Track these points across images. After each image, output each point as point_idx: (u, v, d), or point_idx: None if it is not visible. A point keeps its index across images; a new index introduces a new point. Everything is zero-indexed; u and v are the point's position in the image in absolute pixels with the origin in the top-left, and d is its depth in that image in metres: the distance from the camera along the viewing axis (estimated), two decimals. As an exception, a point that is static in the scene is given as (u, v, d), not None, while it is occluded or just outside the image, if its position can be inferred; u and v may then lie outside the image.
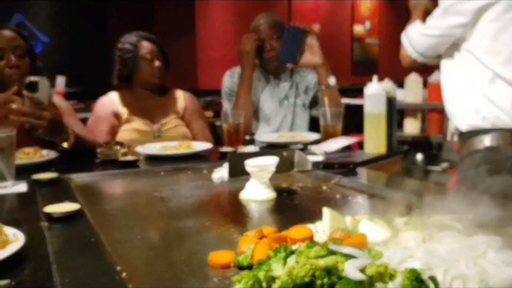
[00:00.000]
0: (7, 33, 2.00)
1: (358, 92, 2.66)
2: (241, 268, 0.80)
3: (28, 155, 1.77)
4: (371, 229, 0.87)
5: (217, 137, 2.63)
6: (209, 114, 3.84)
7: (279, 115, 2.54)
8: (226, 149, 1.95)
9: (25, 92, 1.73)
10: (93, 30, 5.47)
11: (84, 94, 4.08)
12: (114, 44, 2.45)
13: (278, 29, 2.48)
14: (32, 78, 1.76)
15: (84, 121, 2.40)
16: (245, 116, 2.20)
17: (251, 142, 2.21)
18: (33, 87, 1.74)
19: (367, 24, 7.39)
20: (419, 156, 1.68)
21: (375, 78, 1.84)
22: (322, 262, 0.70)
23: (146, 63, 2.35)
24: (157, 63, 2.35)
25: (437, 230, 0.87)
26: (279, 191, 1.32)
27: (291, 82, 2.56)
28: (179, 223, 1.11)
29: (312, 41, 2.28)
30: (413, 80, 2.77)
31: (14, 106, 1.72)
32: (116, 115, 2.34)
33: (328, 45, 2.30)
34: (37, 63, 2.11)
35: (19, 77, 1.98)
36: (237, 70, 2.67)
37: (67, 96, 3.46)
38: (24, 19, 5.26)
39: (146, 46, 2.36)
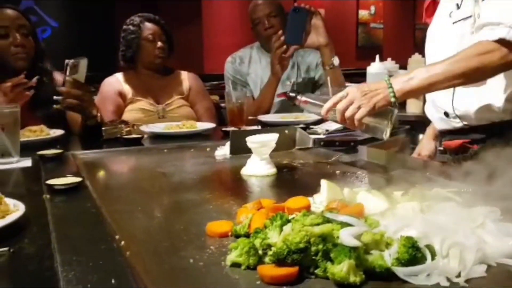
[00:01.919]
0: (11, 12, 2.00)
1: (362, 76, 2.64)
2: (238, 237, 0.81)
3: (34, 133, 1.78)
4: (368, 200, 0.86)
5: (221, 119, 2.64)
6: (215, 97, 3.83)
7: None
8: (229, 128, 1.95)
9: (67, 76, 1.77)
10: (101, 16, 5.45)
11: (92, 79, 4.10)
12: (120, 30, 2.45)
13: (275, 6, 2.47)
14: (73, 60, 1.79)
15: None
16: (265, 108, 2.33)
17: (254, 122, 2.21)
18: (75, 69, 1.77)
19: (372, 9, 7.32)
20: (421, 136, 1.67)
21: (377, 57, 1.82)
22: (318, 229, 0.70)
23: (148, 44, 2.35)
24: (159, 44, 2.35)
25: (435, 202, 0.87)
26: (280, 167, 1.33)
27: (292, 62, 2.54)
28: (180, 196, 1.12)
29: (317, 22, 2.26)
30: (416, 60, 2.74)
31: (63, 89, 1.77)
32: (121, 95, 2.35)
33: (333, 30, 2.28)
34: (40, 44, 2.12)
35: (25, 56, 2.00)
36: (238, 54, 2.66)
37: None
38: (33, 4, 5.26)
39: (148, 27, 2.36)
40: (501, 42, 1.22)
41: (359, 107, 1.24)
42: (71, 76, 1.77)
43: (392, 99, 1.24)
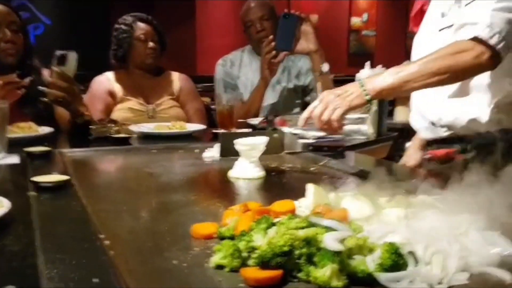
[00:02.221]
0: (2, 8, 1.99)
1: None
2: (223, 239, 0.81)
3: (22, 130, 1.77)
4: (353, 205, 0.87)
5: (212, 121, 2.63)
6: (207, 100, 3.83)
7: (271, 98, 2.54)
8: (218, 130, 1.95)
9: (53, 66, 1.75)
10: (96, 13, 5.42)
11: (85, 77, 4.08)
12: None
13: (268, 10, 2.48)
14: (62, 51, 1.78)
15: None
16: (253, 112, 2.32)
17: (244, 125, 2.21)
18: (62, 60, 1.75)
19: (365, 16, 7.36)
20: (408, 144, 1.68)
21: (367, 64, 1.83)
22: (302, 233, 0.70)
23: (140, 44, 2.35)
24: (151, 44, 2.34)
25: (420, 208, 0.88)
26: (268, 170, 1.33)
27: (283, 67, 2.55)
28: (166, 197, 1.11)
29: (306, 28, 2.26)
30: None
31: (50, 79, 1.75)
32: (111, 94, 2.34)
33: (325, 36, 2.29)
34: (29, 40, 2.11)
35: (14, 52, 1.98)
36: (229, 57, 2.67)
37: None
38: (25, 1, 5.22)
39: (141, 27, 2.36)
40: (477, 40, 1.22)
41: (334, 109, 1.23)
42: (58, 68, 1.75)
43: (367, 97, 1.23)
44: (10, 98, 1.76)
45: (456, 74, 1.26)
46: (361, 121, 1.26)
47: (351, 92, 1.24)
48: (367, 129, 1.26)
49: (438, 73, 1.23)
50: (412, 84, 1.24)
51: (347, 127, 1.26)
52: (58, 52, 1.78)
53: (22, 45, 2.02)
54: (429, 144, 1.58)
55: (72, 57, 1.79)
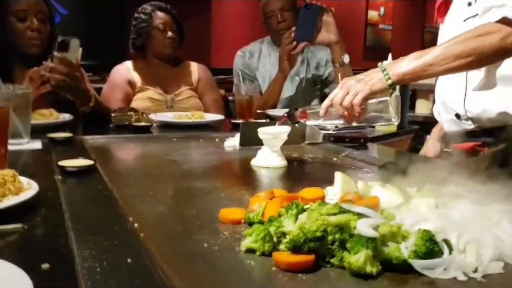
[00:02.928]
0: None
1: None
2: (251, 224, 0.80)
3: (43, 116, 1.78)
4: (383, 194, 0.86)
5: (229, 112, 2.63)
6: (222, 92, 3.83)
7: (290, 90, 2.53)
8: (238, 121, 1.95)
9: (55, 52, 1.75)
10: (111, 4, 5.43)
11: (100, 67, 4.10)
12: (132, 18, 2.45)
13: (289, 1, 2.47)
14: (64, 37, 1.77)
15: (98, 91, 2.41)
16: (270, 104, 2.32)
17: (262, 116, 2.20)
18: (64, 46, 1.75)
19: (382, 10, 7.30)
20: (428, 136, 1.66)
21: (390, 55, 1.81)
22: (334, 219, 0.69)
23: (159, 33, 2.35)
24: (169, 33, 2.34)
25: (450, 198, 0.86)
26: (289, 160, 1.32)
27: (302, 58, 2.54)
28: (190, 183, 1.12)
29: (328, 19, 2.24)
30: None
31: (51, 64, 1.74)
32: (130, 83, 2.35)
33: (342, 30, 2.26)
34: (56, 31, 2.11)
35: (39, 42, 1.98)
36: (248, 48, 2.65)
37: (83, 68, 3.46)
38: (42, -9, 5.24)
39: (160, 17, 2.36)
40: (504, 21, 1.18)
41: (356, 94, 1.21)
42: (60, 53, 1.75)
43: (388, 81, 1.20)
44: (41, 89, 1.78)
45: (480, 57, 1.21)
46: (382, 106, 1.23)
47: (372, 77, 1.22)
48: (389, 114, 1.23)
49: (462, 56, 1.19)
50: (435, 68, 1.21)
51: (369, 114, 1.24)
52: (60, 38, 1.77)
53: (48, 36, 2.01)
54: (454, 137, 1.56)
55: (74, 43, 1.77)
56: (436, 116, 1.62)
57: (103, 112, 1.95)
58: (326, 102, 1.27)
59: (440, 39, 1.56)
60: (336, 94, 1.25)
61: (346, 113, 1.24)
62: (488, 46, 1.19)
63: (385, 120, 1.26)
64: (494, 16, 1.21)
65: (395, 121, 1.24)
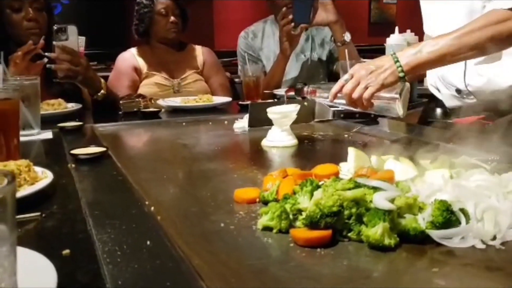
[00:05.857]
0: None
1: (375, 52, 2.59)
2: (266, 203, 0.81)
3: (52, 106, 1.79)
4: (397, 168, 0.86)
5: (236, 94, 2.62)
6: (227, 74, 3.82)
7: (295, 69, 2.51)
8: (245, 102, 1.94)
9: (55, 41, 1.74)
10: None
11: (104, 56, 4.09)
12: (133, 6, 2.43)
13: None
14: (61, 25, 1.76)
15: (104, 80, 2.40)
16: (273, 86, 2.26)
17: (270, 96, 2.19)
18: (62, 34, 1.74)
19: (386, -16, 7.18)
20: (439, 110, 1.64)
21: (397, 29, 1.79)
22: (350, 194, 0.70)
23: (161, 18, 2.33)
24: (172, 18, 2.33)
25: (464, 168, 0.86)
26: (300, 139, 1.32)
27: (306, 35, 2.51)
28: (203, 166, 1.12)
29: None
30: (431, 36, 2.69)
31: (53, 55, 1.74)
32: (136, 70, 2.34)
33: (345, 6, 2.23)
34: (54, 19, 2.10)
35: (38, 31, 1.97)
36: (251, 29, 2.62)
37: (87, 57, 3.46)
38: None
39: (161, 1, 2.34)
40: None
41: (366, 87, 1.18)
42: (59, 42, 1.74)
43: (401, 74, 1.17)
44: (33, 69, 1.76)
45: (498, 45, 1.20)
46: (391, 102, 1.22)
47: (384, 69, 1.18)
48: (398, 109, 1.22)
49: (479, 45, 1.17)
50: (450, 58, 1.19)
51: (377, 104, 1.22)
52: (56, 26, 1.76)
53: (46, 25, 2.00)
54: (455, 112, 1.54)
55: (72, 30, 1.76)
56: (435, 92, 1.60)
57: (112, 99, 1.95)
58: (335, 88, 1.24)
59: (429, 15, 1.53)
60: (346, 83, 1.22)
61: (354, 104, 1.22)
62: (506, 34, 1.17)
63: (392, 113, 1.24)
64: (506, 3, 1.18)
65: (402, 116, 1.22)
